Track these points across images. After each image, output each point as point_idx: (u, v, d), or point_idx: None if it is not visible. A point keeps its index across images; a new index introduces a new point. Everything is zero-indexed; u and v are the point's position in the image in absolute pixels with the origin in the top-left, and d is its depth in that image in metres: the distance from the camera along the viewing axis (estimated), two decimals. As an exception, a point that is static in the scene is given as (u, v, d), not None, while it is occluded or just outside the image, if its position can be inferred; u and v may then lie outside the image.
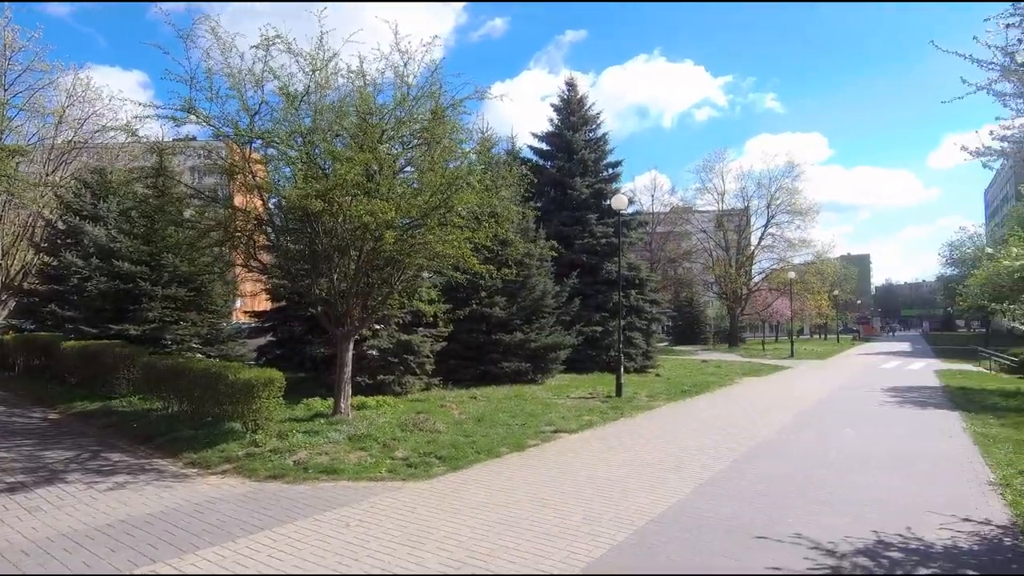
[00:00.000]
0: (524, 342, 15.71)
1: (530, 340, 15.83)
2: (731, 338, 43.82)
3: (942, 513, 5.66)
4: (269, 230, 9.52)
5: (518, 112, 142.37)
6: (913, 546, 4.84)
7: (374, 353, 12.01)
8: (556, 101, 23.23)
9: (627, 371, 19.45)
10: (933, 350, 41.32)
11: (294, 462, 7.24)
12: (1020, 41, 4.48)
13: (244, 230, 9.24)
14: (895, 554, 4.66)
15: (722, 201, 45.48)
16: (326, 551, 4.63)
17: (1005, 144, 5.10)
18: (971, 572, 4.34)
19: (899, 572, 4.33)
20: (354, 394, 10.33)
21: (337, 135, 8.89)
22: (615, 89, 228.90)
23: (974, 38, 4.85)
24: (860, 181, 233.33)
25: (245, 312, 17.27)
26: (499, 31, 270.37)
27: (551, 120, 23.11)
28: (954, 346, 44.18)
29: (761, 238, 44.32)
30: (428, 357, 13.43)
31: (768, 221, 43.86)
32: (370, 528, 5.16)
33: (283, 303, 13.77)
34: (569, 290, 18.36)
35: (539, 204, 19.94)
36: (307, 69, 8.61)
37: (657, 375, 19.70)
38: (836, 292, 50.60)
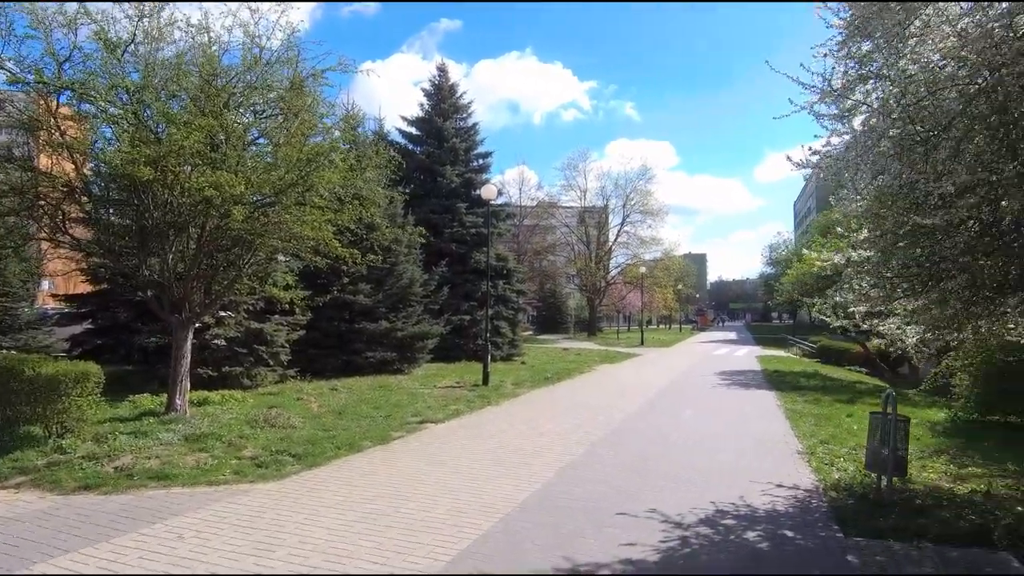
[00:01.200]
0: (390, 331, 15.22)
1: (397, 329, 15.37)
2: (590, 328, 46.60)
3: (765, 481, 6.41)
4: (85, 199, 8.06)
5: (389, 95, 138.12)
6: (743, 512, 5.40)
7: (219, 343, 10.82)
8: (427, 86, 22.75)
9: (494, 360, 19.72)
10: (754, 338, 47.52)
11: (115, 469, 6.22)
12: (834, 69, 5.09)
13: (50, 198, 7.73)
14: (730, 521, 5.16)
15: (584, 198, 48.09)
16: (151, 571, 3.99)
17: (817, 158, 5.70)
18: (787, 531, 4.93)
19: (732, 537, 4.79)
20: (195, 388, 9.22)
21: (174, 95, 7.77)
22: (488, 82, 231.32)
23: (800, 65, 5.38)
24: (700, 188, 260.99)
25: (55, 296, 14.63)
26: (372, 9, 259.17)
27: (421, 105, 22.60)
28: (770, 335, 51.20)
29: (618, 235, 47.62)
30: (284, 347, 12.44)
31: (624, 219, 47.23)
32: (208, 539, 4.56)
33: (105, 286, 11.88)
34: (438, 279, 18.15)
35: (408, 190, 19.37)
36: (131, 14, 7.38)
37: (523, 363, 20.25)
38: (680, 286, 56.07)
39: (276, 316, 12.33)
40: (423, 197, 20.72)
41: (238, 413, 9.13)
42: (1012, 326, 6.64)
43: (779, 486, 6.27)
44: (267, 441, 7.61)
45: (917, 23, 4.77)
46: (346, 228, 8.86)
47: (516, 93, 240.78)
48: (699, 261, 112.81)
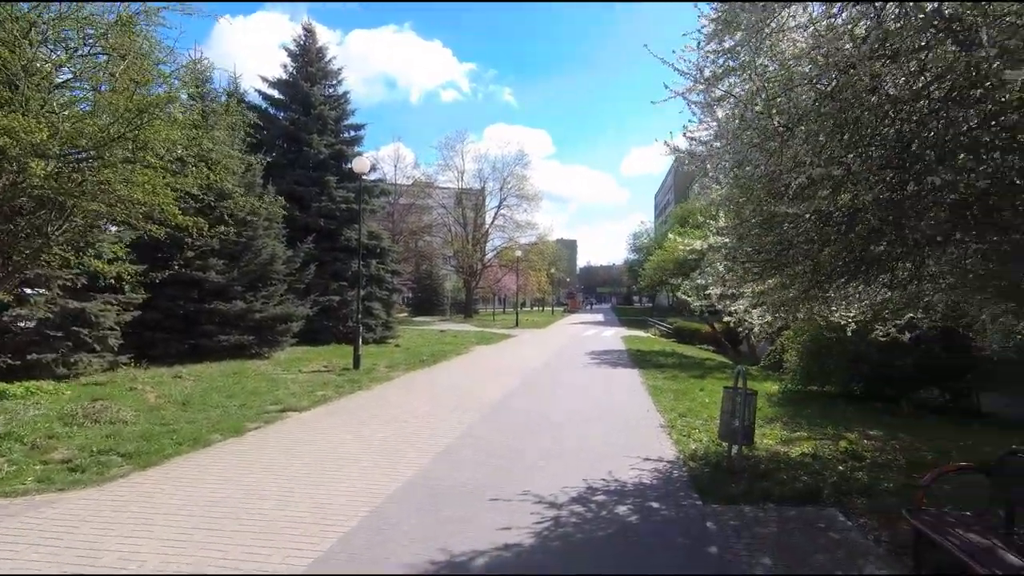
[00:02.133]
0: (248, 312, 13.84)
1: (255, 310, 14.02)
2: (467, 310, 46.70)
3: (633, 456, 6.68)
4: None
5: (252, 59, 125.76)
6: (613, 487, 5.55)
7: (24, 325, 9.03)
8: (292, 47, 20.84)
9: (367, 342, 18.90)
10: (619, 320, 50.77)
11: None
12: (706, 58, 5.28)
13: None
14: (601, 497, 5.26)
15: (462, 179, 47.77)
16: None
17: (692, 143, 5.90)
18: (653, 503, 5.13)
19: (604, 513, 4.88)
20: (-13, 382, 7.58)
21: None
22: (362, 53, 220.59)
23: (672, 51, 5.51)
24: (574, 177, 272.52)
25: None
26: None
27: (285, 67, 20.71)
28: (633, 317, 55.03)
29: (494, 218, 47.99)
30: (113, 330, 10.75)
31: (501, 202, 47.69)
32: (-7, 568, 3.67)
33: None
34: (303, 256, 16.86)
35: (270, 158, 17.73)
36: None
37: (397, 345, 19.63)
38: (553, 270, 58.14)
39: (105, 294, 10.58)
40: (287, 167, 19.08)
41: (48, 408, 7.68)
42: (833, 308, 7.54)
43: (645, 459, 6.56)
44: (87, 440, 6.46)
45: (774, 23, 5.07)
46: (190, 195, 7.73)
47: (393, 68, 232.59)
48: (570, 247, 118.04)
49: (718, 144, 5.25)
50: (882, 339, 8.64)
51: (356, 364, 13.23)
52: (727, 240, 6.56)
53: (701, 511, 4.93)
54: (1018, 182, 3.44)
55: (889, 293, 7.06)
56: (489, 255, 48.90)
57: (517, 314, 40.46)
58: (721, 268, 7.27)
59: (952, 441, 7.63)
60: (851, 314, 7.72)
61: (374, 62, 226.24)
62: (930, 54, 4.27)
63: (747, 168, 5.24)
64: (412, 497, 5.15)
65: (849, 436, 7.62)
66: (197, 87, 8.15)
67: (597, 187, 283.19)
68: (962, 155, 3.71)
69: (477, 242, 46.66)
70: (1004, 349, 8.95)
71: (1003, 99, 4.11)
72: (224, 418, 7.96)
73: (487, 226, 48.08)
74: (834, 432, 7.86)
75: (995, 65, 3.00)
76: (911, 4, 4.31)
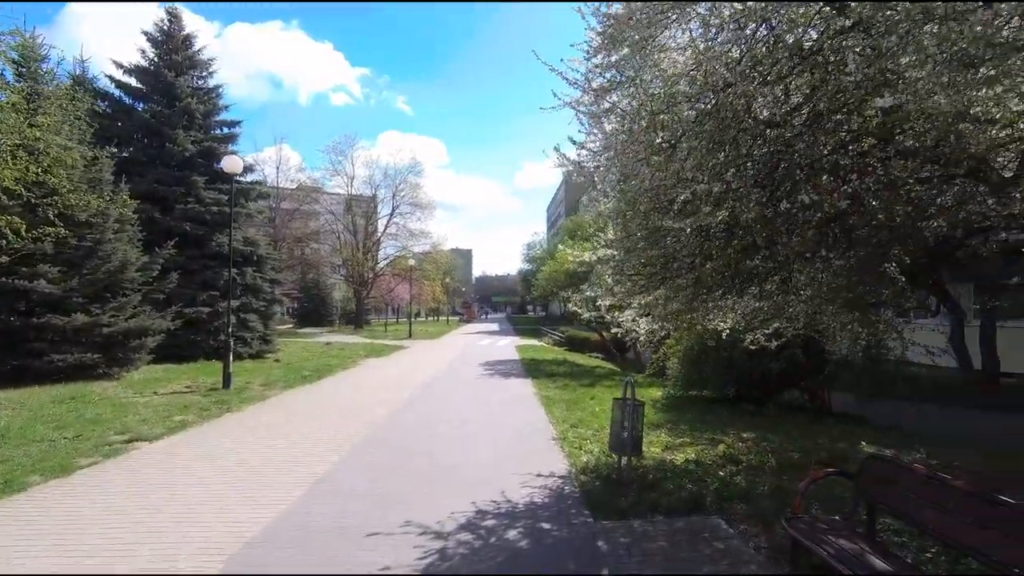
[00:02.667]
0: (92, 326, 12.03)
1: (102, 323, 12.22)
2: (357, 320, 44.78)
3: (525, 472, 6.48)
4: None
5: (116, 47, 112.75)
6: (504, 509, 5.29)
7: None
8: (153, 31, 18.72)
9: (241, 357, 17.33)
10: (514, 329, 51.34)
11: None
12: (595, 69, 5.26)
13: None
14: (491, 521, 4.98)
15: (352, 186, 45.93)
16: None
17: (583, 154, 5.85)
18: (545, 524, 4.94)
19: (493, 539, 4.59)
20: None
21: None
22: (244, 48, 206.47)
23: (561, 59, 5.43)
24: (469, 187, 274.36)
25: None
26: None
27: (144, 52, 18.53)
28: (527, 326, 55.94)
29: (387, 225, 46.61)
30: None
31: (393, 210, 46.42)
32: None
33: None
34: (164, 262, 15.04)
35: (126, 153, 15.76)
36: None
37: (276, 360, 18.16)
38: (448, 280, 57.61)
39: None
40: (147, 164, 17.03)
41: None
42: (711, 318, 7.92)
43: (537, 475, 6.39)
44: None
45: (656, 42, 5.17)
46: (8, 189, 6.47)
47: (279, 67, 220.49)
48: (466, 256, 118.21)
49: (606, 157, 5.24)
50: (752, 347, 9.26)
51: (226, 383, 11.94)
52: (615, 253, 6.62)
53: (592, 529, 4.81)
54: (874, 203, 3.72)
55: (759, 304, 7.53)
56: (381, 264, 47.38)
57: (410, 324, 39.45)
58: (610, 280, 7.35)
59: (811, 439, 8.29)
60: (727, 324, 8.16)
61: (257, 59, 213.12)
62: (793, 81, 4.54)
63: (633, 182, 5.28)
64: (280, 538, 4.53)
65: (726, 440, 8.01)
66: (19, 64, 6.89)
67: (492, 197, 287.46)
68: (825, 177, 3.95)
69: (368, 250, 45.01)
70: (851, 354, 9.98)
71: (855, 127, 4.45)
72: (49, 454, 6.71)
73: (379, 234, 46.60)
74: (712, 436, 8.23)
75: (860, 92, 3.20)
76: (775, 34, 4.57)
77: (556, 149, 5.51)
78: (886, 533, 4.28)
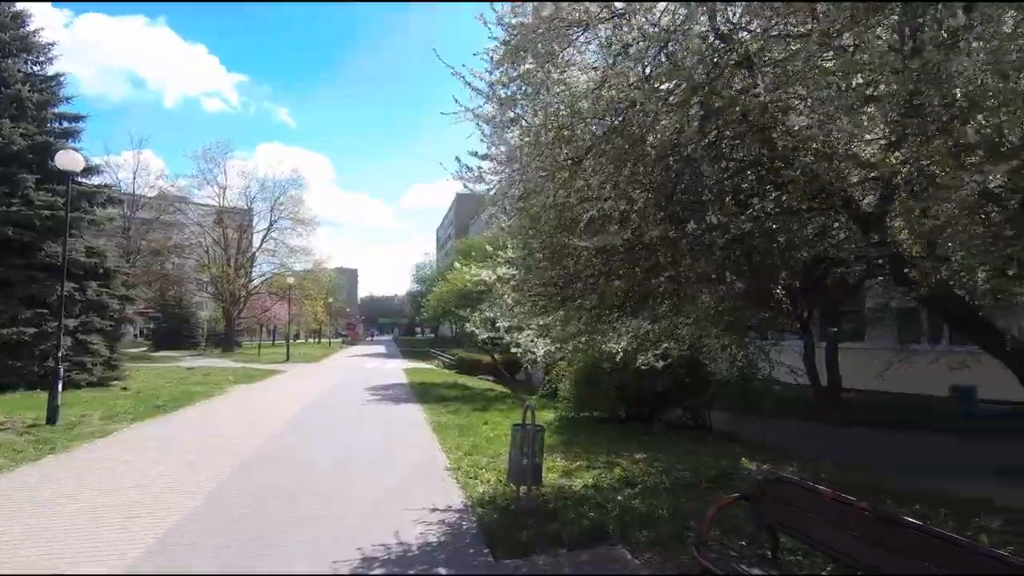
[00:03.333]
0: None
1: None
2: (227, 342, 40.88)
3: (418, 507, 5.93)
4: None
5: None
6: (395, 554, 4.72)
7: None
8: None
9: (79, 386, 14.87)
10: (402, 351, 49.81)
11: None
12: (501, 77, 5.03)
13: None
14: (379, 571, 4.39)
15: (223, 196, 42.33)
16: None
17: (479, 171, 5.54)
18: (442, 569, 4.45)
19: (384, 592, 4.03)
20: None
21: None
22: (99, 40, 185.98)
23: (463, 64, 5.15)
24: (356, 204, 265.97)
25: None
26: None
27: (-38, 25, 15.71)
28: (416, 348, 54.58)
29: (263, 240, 43.44)
30: None
31: (272, 225, 43.39)
32: None
33: None
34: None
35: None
36: None
37: (124, 388, 15.79)
38: (331, 300, 54.77)
39: None
40: (-41, 156, 14.24)
41: None
42: (608, 338, 7.94)
43: (432, 510, 5.87)
44: None
45: (561, 57, 5.07)
46: None
47: (141, 65, 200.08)
48: (351, 276, 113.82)
49: (510, 169, 5.01)
50: (643, 367, 9.49)
51: (52, 418, 10.00)
52: (516, 272, 6.40)
53: (493, 568, 4.41)
54: (775, 227, 3.82)
55: (651, 326, 7.67)
56: (256, 281, 43.93)
57: (288, 347, 36.70)
58: (509, 300, 7.11)
59: (697, 457, 8.55)
60: (621, 344, 8.23)
61: (115, 53, 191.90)
62: (692, 108, 4.61)
63: (536, 199, 5.07)
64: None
65: (621, 462, 8.01)
66: None
67: (380, 217, 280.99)
68: (727, 198, 4.01)
69: (241, 267, 41.50)
70: (728, 374, 10.60)
71: (751, 155, 4.61)
72: None
73: (254, 249, 43.24)
74: (607, 459, 8.20)
75: (774, 114, 3.27)
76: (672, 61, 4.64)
77: (457, 160, 5.18)
78: (793, 556, 4.32)
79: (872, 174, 4.77)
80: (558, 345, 7.24)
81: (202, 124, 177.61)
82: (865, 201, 5.40)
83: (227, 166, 42.78)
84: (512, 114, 4.83)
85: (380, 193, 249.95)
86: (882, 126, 4.20)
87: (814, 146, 4.15)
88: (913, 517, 3.07)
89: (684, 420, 12.37)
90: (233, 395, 16.05)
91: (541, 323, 7.14)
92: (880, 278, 6.38)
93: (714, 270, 4.23)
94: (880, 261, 5.82)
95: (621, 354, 8.75)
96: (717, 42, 4.50)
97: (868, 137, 4.39)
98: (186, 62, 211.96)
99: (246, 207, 43.26)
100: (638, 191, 4.04)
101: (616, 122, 4.11)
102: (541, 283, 5.67)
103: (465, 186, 5.30)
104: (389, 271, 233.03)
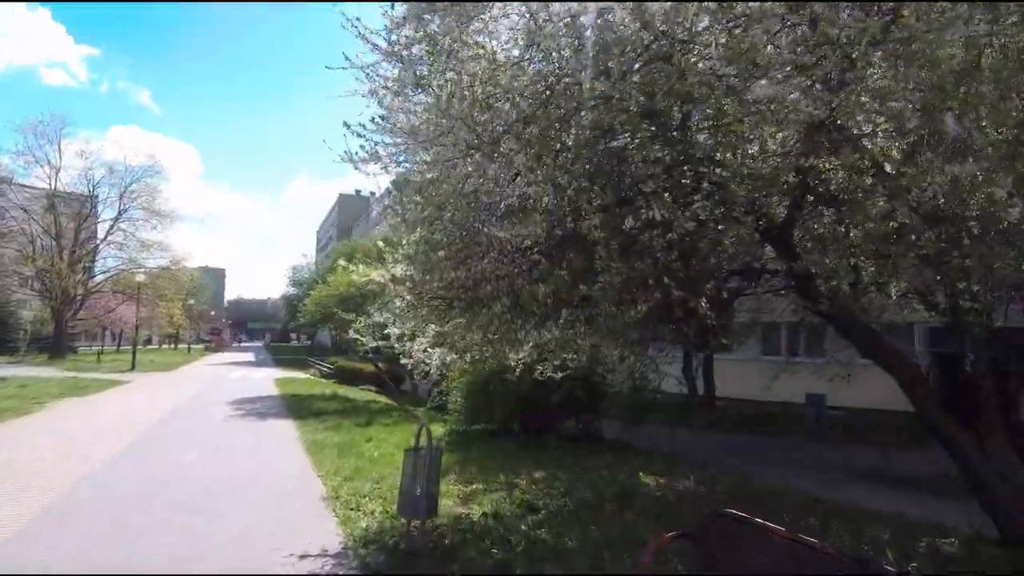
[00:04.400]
0: None
1: None
2: (56, 347, 34.88)
3: (285, 550, 4.89)
4: None
5: None
6: (252, 624, 3.71)
7: None
8: None
9: None
10: (273, 359, 45.88)
11: None
12: (410, 38, 4.26)
13: None
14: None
15: (56, 178, 36.31)
16: None
17: (378, 145, 4.73)
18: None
19: None
20: None
21: None
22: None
23: (358, 18, 4.29)
24: (228, 201, 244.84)
25: None
26: None
27: None
28: (290, 356, 50.58)
29: (109, 232, 37.86)
30: None
31: (120, 215, 37.94)
32: None
33: None
34: None
35: None
36: None
37: None
38: (192, 301, 49.23)
39: None
40: None
41: None
42: (510, 349, 7.36)
43: (303, 556, 4.85)
44: None
45: (480, 20, 4.41)
46: None
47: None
48: (218, 276, 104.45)
49: (410, 143, 4.21)
50: (540, 378, 9.07)
51: None
52: (413, 271, 5.60)
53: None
54: (720, 227, 3.49)
55: (553, 335, 7.21)
56: (99, 278, 38.18)
57: (135, 353, 32.04)
58: (403, 304, 6.29)
59: (595, 472, 8.25)
60: (521, 355, 7.71)
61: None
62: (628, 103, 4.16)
63: (446, 182, 4.35)
64: None
65: (520, 482, 7.46)
66: None
67: (255, 215, 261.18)
68: (667, 195, 3.60)
69: (78, 261, 35.79)
70: (623, 385, 10.54)
71: (688, 152, 4.26)
72: None
73: (98, 242, 37.55)
74: (506, 479, 7.60)
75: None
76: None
77: (346, 128, 4.29)
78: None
79: (775, 189, 4.65)
80: (459, 355, 6.54)
81: (39, 98, 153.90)
82: (774, 214, 5.36)
83: (63, 144, 36.65)
84: (417, 73, 4.04)
85: (256, 190, 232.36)
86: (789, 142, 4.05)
87: (718, 157, 3.88)
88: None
89: (576, 431, 12.18)
90: (56, 412, 13.29)
91: (439, 330, 6.39)
92: (783, 292, 6.47)
93: (653, 274, 3.80)
94: (782, 274, 5.84)
95: (520, 366, 8.26)
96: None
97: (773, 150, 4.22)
98: (22, 25, 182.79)
99: (87, 193, 37.46)
100: (567, 177, 3.49)
101: (545, 95, 3.53)
102: (444, 284, 4.94)
103: (356, 167, 4.43)
104: (263, 273, 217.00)
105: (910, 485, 8.44)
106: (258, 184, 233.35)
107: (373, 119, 4.41)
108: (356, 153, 4.53)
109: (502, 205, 3.69)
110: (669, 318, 6.50)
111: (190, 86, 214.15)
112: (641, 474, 8.22)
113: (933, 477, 8.33)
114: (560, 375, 8.78)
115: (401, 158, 4.22)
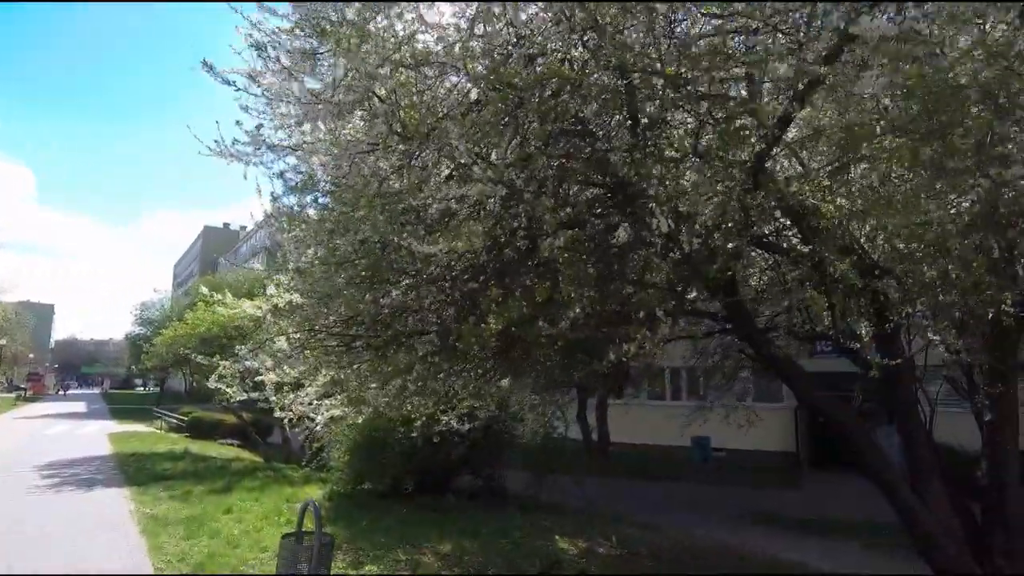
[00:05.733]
0: None
1: None
2: None
3: None
4: None
5: None
6: None
7: None
8: None
9: None
10: (110, 410, 39.18)
11: None
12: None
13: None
14: None
15: None
16: None
17: (248, 147, 3.62)
18: None
19: None
20: None
21: None
22: None
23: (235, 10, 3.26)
24: (69, 229, 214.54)
25: None
26: None
27: None
28: (132, 405, 43.62)
29: None
30: None
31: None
32: None
33: None
34: None
35: None
36: None
37: None
38: (3, 342, 41.14)
39: None
40: None
41: None
42: (424, 400, 6.26)
43: None
44: None
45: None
46: None
47: None
48: (44, 313, 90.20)
49: (307, 126, 3.16)
50: (442, 430, 7.99)
51: None
52: (304, 301, 4.40)
53: None
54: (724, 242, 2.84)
55: (458, 380, 6.25)
56: None
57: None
58: (285, 345, 5.01)
59: (506, 537, 7.28)
60: (426, 406, 6.60)
61: None
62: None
63: (356, 182, 3.31)
64: None
65: (423, 558, 6.23)
66: None
67: (101, 246, 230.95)
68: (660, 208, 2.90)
69: None
70: (534, 435, 9.70)
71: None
72: None
73: None
74: (406, 556, 6.32)
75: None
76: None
77: (217, 143, 3.16)
78: None
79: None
80: (356, 409, 5.31)
81: None
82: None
83: None
84: (316, 42, 3.00)
85: (106, 219, 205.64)
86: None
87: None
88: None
89: (478, 487, 11.04)
90: None
91: (330, 377, 5.16)
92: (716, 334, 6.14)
93: (660, 303, 2.97)
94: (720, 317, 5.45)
95: (421, 418, 7.15)
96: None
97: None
98: None
99: None
100: (523, 175, 2.67)
101: (500, 70, 2.72)
102: (345, 317, 3.83)
103: (235, 159, 3.29)
104: (107, 311, 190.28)
105: (808, 529, 8.51)
106: (108, 213, 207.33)
107: (260, 95, 3.30)
108: (233, 143, 3.38)
109: (433, 209, 2.78)
110: (600, 358, 5.85)
111: (30, 101, 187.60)
112: (558, 537, 7.36)
113: (829, 519, 8.67)
114: (467, 427, 7.76)
115: (295, 139, 3.14)
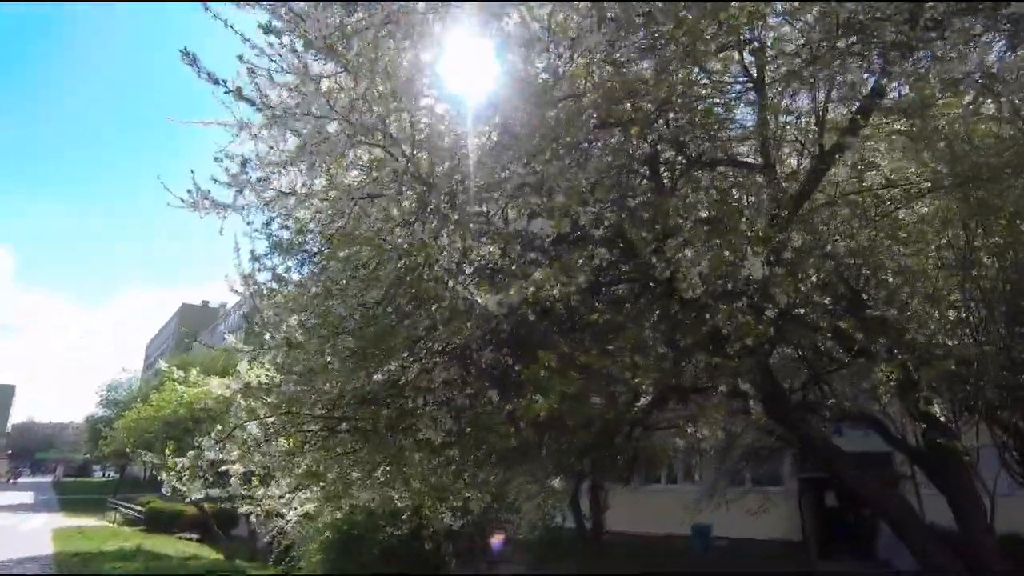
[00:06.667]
0: None
1: None
2: None
3: None
4: None
5: None
6: None
7: None
8: None
9: None
10: (60, 501, 36.13)
11: None
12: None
13: None
14: None
15: None
16: None
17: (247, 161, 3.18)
18: None
19: None
20: None
21: None
22: None
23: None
24: (40, 306, 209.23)
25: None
26: None
27: None
28: (86, 495, 40.37)
29: None
30: None
31: None
32: None
33: None
34: None
35: None
36: None
37: None
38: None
39: None
40: None
41: None
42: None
43: None
44: None
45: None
46: None
47: None
48: (3, 394, 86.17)
49: (301, 161, 2.69)
50: (430, 529, 7.17)
51: None
52: (283, 378, 3.81)
53: None
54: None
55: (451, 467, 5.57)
56: None
57: None
58: (257, 430, 4.34)
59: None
60: (418, 496, 5.85)
61: None
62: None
63: (366, 231, 2.82)
64: None
65: None
66: None
67: (73, 324, 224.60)
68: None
69: None
70: (532, 529, 8.83)
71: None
72: None
73: None
74: None
75: None
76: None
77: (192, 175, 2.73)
78: None
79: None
80: (335, 503, 4.57)
81: None
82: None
83: None
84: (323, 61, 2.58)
85: (79, 297, 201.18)
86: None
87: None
88: None
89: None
90: None
91: (308, 468, 4.46)
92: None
93: (748, 374, 2.47)
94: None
95: (408, 511, 6.39)
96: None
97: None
98: None
99: None
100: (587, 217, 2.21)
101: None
102: (333, 397, 3.25)
103: (211, 209, 2.84)
104: (72, 392, 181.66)
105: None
106: (81, 291, 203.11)
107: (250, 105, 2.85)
108: (206, 191, 2.90)
109: (465, 267, 2.31)
110: (610, 440, 5.26)
111: (11, 184, 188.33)
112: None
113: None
114: (461, 521, 6.95)
115: (285, 183, 2.69)
